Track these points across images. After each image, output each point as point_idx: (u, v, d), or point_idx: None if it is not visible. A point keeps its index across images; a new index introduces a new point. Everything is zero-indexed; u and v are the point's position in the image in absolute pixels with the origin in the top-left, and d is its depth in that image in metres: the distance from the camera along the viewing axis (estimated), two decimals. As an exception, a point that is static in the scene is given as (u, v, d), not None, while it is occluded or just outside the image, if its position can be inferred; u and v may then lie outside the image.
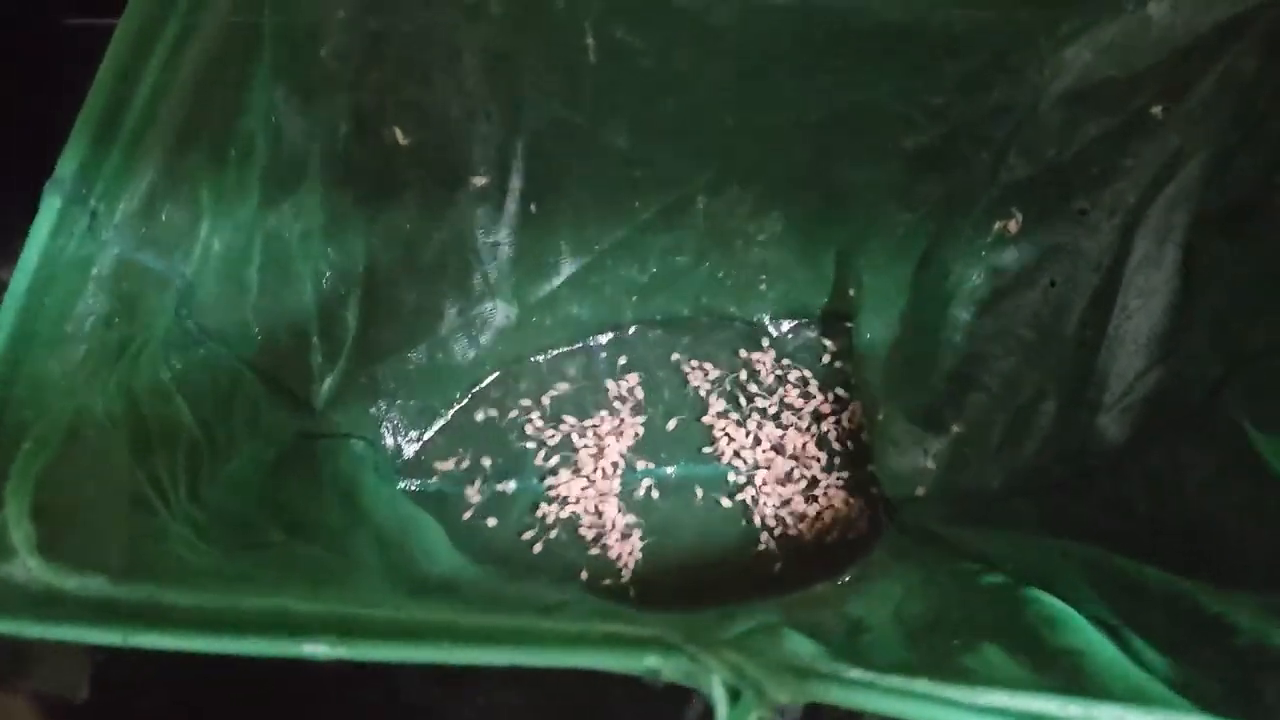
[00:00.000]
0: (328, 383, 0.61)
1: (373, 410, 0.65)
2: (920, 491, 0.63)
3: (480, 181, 0.62)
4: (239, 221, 0.52)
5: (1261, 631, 0.41)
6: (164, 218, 0.46)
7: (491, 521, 0.64)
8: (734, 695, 0.30)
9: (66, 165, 0.42)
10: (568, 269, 0.68)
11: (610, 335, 0.71)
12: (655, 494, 0.65)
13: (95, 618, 0.33)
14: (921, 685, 0.30)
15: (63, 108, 0.44)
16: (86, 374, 0.41)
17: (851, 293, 0.68)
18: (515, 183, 0.63)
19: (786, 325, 0.72)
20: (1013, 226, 0.61)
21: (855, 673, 0.30)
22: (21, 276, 0.40)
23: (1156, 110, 0.54)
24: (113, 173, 0.43)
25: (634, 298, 0.70)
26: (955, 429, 0.63)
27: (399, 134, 0.59)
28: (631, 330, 0.72)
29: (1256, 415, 0.48)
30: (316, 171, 0.56)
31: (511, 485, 0.65)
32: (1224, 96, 0.52)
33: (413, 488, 0.65)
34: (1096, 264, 0.59)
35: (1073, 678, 0.39)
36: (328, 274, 0.60)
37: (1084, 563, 0.50)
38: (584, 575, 0.62)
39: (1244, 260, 0.52)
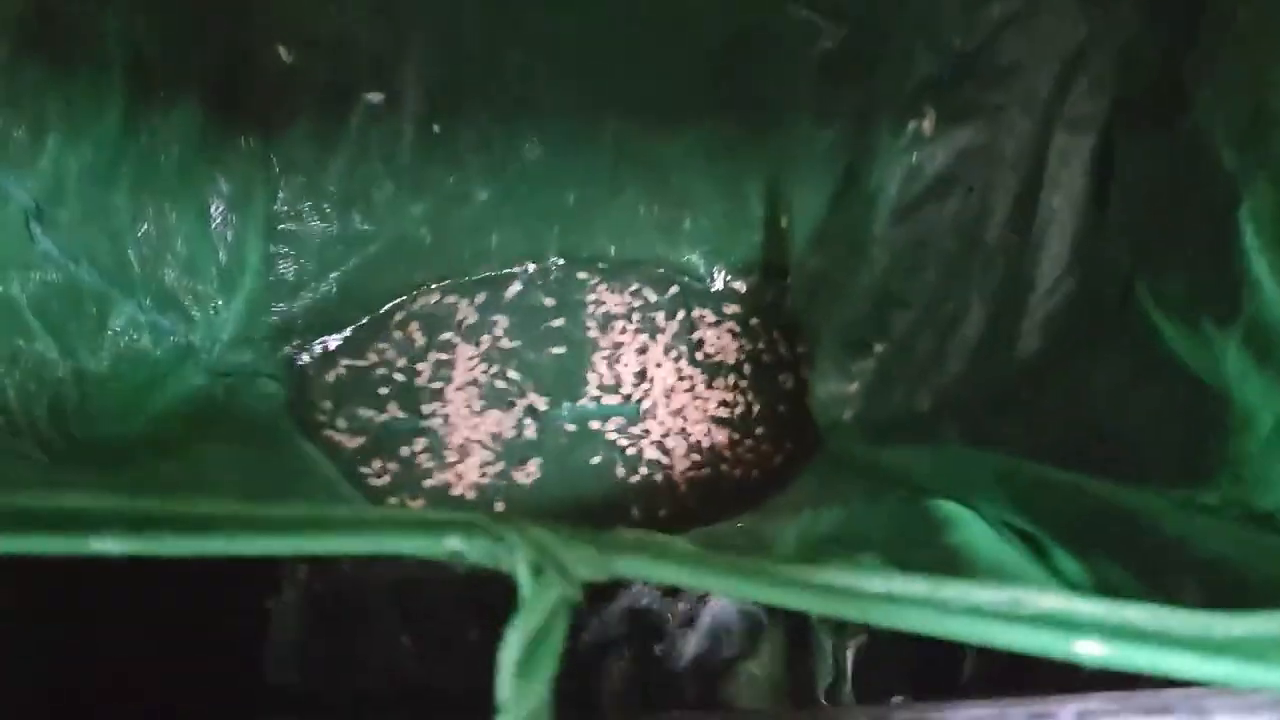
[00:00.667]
0: (228, 319, 0.60)
1: (286, 349, 0.63)
2: (847, 416, 0.61)
3: (375, 99, 0.60)
4: (99, 139, 0.49)
5: (1162, 517, 0.39)
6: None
7: (381, 457, 0.61)
8: (537, 573, 0.28)
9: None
10: (480, 194, 0.65)
11: (532, 267, 0.69)
12: (562, 431, 0.63)
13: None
14: (744, 563, 0.28)
15: None
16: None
17: (784, 223, 0.66)
18: (412, 103, 0.61)
19: (716, 263, 0.69)
20: (927, 126, 0.58)
21: (663, 542, 0.28)
22: None
23: (1055, -10, 0.52)
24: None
25: (555, 229, 0.68)
26: (879, 348, 0.61)
27: (283, 52, 0.57)
28: (552, 266, 0.69)
29: (1164, 306, 0.46)
30: (194, 92, 0.55)
31: (409, 418, 0.63)
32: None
33: (317, 427, 0.62)
34: (1014, 163, 0.57)
35: (946, 571, 0.37)
36: (218, 204, 0.58)
37: (998, 473, 0.48)
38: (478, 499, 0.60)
39: (1157, 151, 0.50)
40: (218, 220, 0.58)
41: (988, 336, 0.58)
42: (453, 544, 0.29)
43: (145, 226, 0.54)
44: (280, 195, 0.61)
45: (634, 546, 0.28)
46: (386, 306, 0.66)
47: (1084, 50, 0.53)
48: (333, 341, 0.65)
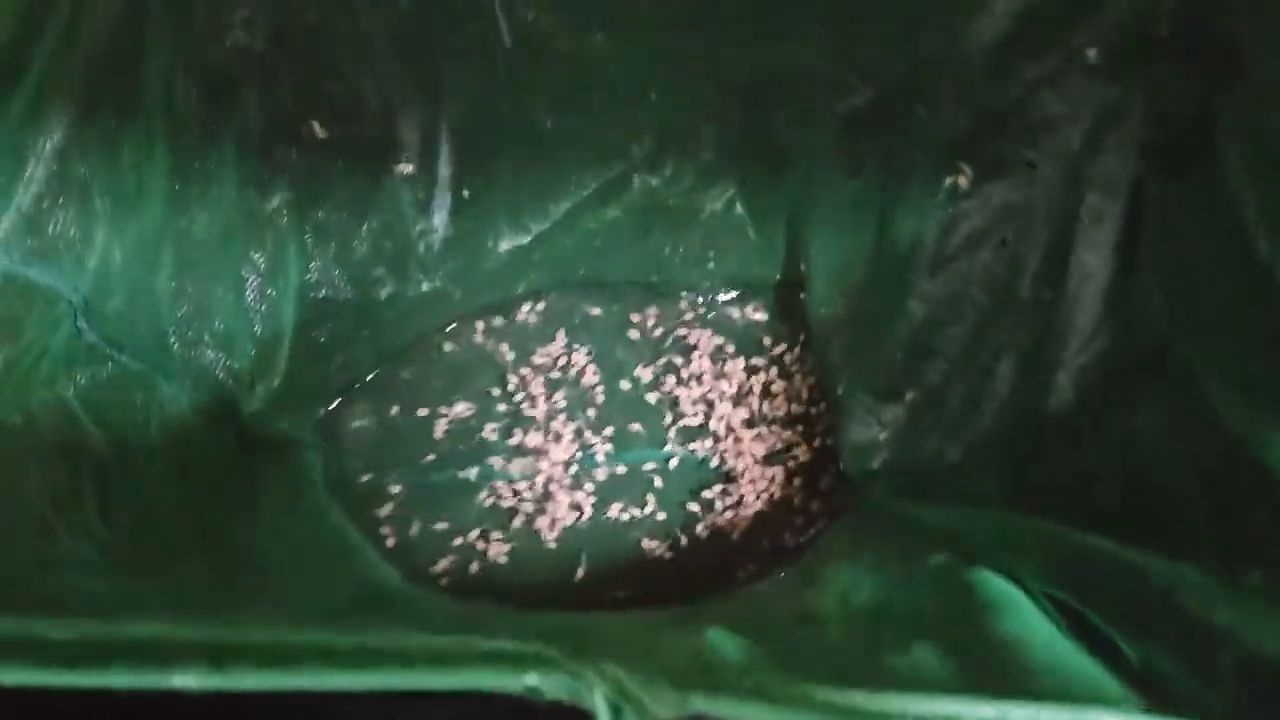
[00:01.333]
0: (262, 389, 0.60)
1: (321, 412, 0.64)
2: (877, 464, 0.61)
3: (407, 169, 0.60)
4: (144, 227, 0.50)
5: (1211, 602, 0.40)
6: (53, 229, 0.44)
7: (424, 513, 0.61)
8: (616, 711, 0.28)
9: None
10: (510, 249, 0.66)
11: (559, 313, 0.69)
12: (598, 479, 0.63)
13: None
14: (820, 695, 0.28)
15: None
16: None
17: (803, 266, 0.66)
18: (443, 169, 0.61)
19: (739, 300, 0.69)
20: (963, 181, 0.58)
21: (744, 681, 0.28)
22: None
23: (1091, 53, 0.52)
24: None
25: (580, 271, 0.69)
26: (909, 396, 0.61)
27: (317, 128, 0.57)
28: (580, 309, 0.69)
29: (1209, 368, 0.46)
30: (231, 170, 0.55)
31: (453, 473, 0.63)
32: (1154, 34, 0.50)
33: (352, 486, 0.62)
34: (1048, 218, 0.57)
35: (1004, 671, 0.37)
36: (254, 277, 0.58)
37: (1037, 536, 0.48)
38: (507, 556, 0.60)
39: (1190, 207, 0.50)
40: (253, 294, 0.58)
41: (1020, 389, 0.58)
42: (531, 680, 0.29)
43: (185, 308, 0.54)
44: (313, 265, 0.61)
45: (711, 682, 0.28)
46: (417, 358, 0.67)
47: (1116, 109, 0.53)
48: (364, 400, 0.65)
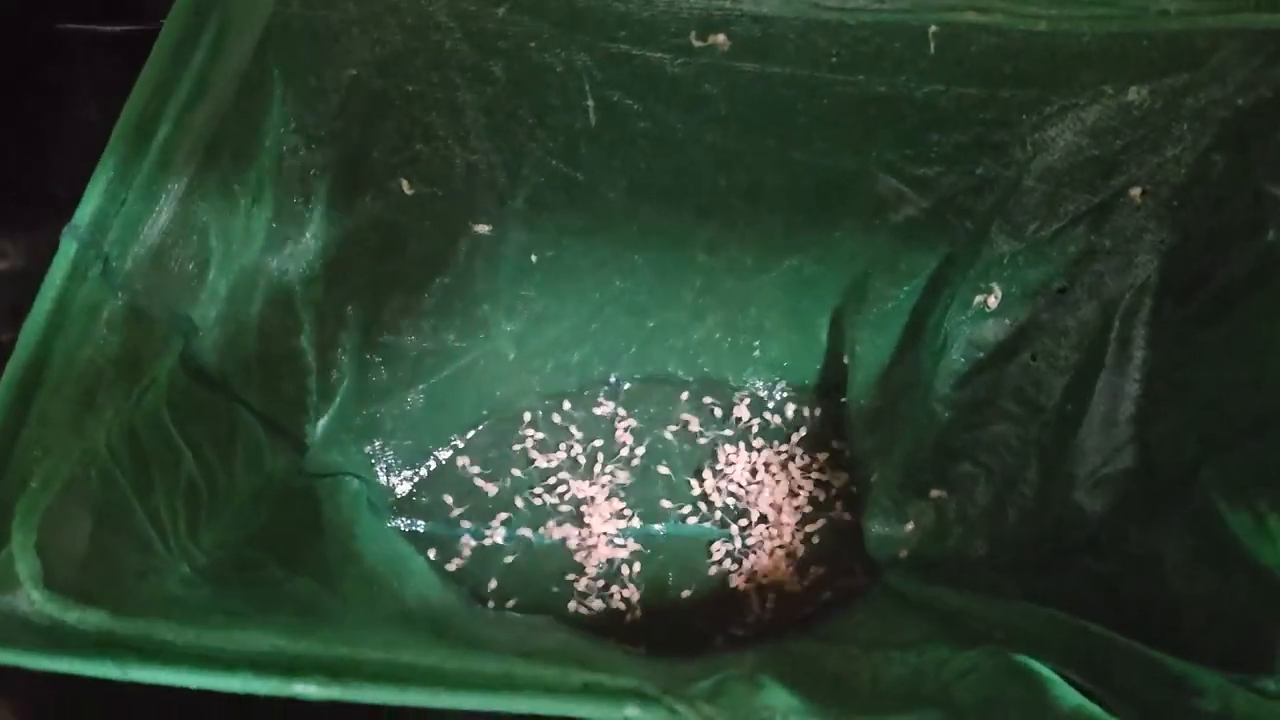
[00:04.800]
0: (321, 423, 0.63)
1: (367, 449, 0.67)
2: (903, 554, 0.64)
3: (482, 230, 0.64)
4: (244, 265, 0.53)
5: (1228, 696, 0.42)
6: (173, 266, 0.47)
7: (480, 565, 0.65)
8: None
9: (83, 211, 0.44)
10: (568, 317, 0.70)
11: (607, 386, 0.73)
12: (645, 545, 0.66)
13: (94, 651, 0.34)
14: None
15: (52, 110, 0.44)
16: (93, 416, 0.43)
17: (846, 360, 0.69)
18: (516, 233, 0.65)
19: (780, 390, 0.73)
20: (991, 301, 0.62)
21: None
22: (36, 318, 0.42)
23: (1135, 193, 0.56)
24: (126, 221, 0.45)
25: (633, 349, 0.72)
26: (935, 494, 0.64)
27: (405, 185, 0.61)
28: (628, 385, 0.73)
29: (1232, 496, 0.49)
30: (322, 218, 0.58)
31: (501, 531, 0.66)
32: (1194, 185, 0.54)
33: (404, 527, 0.66)
34: (1077, 342, 0.61)
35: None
36: (326, 318, 0.62)
37: (1057, 627, 0.51)
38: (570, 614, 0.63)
39: (1222, 343, 0.54)
40: (330, 338, 0.61)
41: (1045, 497, 0.62)
42: (631, 712, 0.32)
43: (268, 345, 0.57)
44: (383, 311, 0.65)
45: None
46: (470, 415, 0.70)
47: (1151, 246, 0.57)
48: (416, 446, 0.68)
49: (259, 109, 0.53)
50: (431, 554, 0.64)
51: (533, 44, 0.55)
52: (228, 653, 0.34)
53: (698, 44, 0.54)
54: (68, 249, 0.43)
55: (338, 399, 0.64)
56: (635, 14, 0.54)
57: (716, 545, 0.66)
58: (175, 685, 0.34)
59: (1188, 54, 0.51)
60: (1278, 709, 0.41)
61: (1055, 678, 0.45)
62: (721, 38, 0.54)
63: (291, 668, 0.34)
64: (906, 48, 0.53)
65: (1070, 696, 0.42)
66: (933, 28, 0.52)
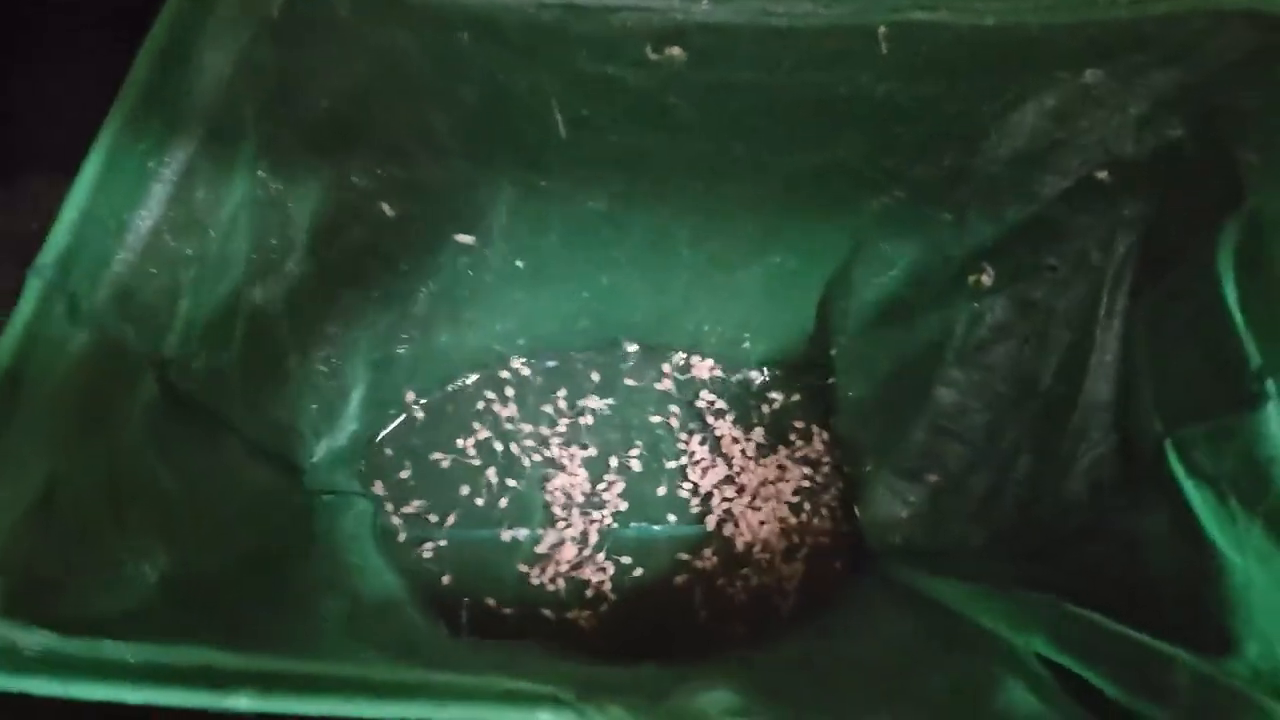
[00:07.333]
0: (323, 443, 0.64)
1: (369, 463, 0.69)
2: (898, 540, 0.64)
3: (466, 240, 0.65)
4: (221, 297, 0.55)
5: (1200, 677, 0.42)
6: (142, 299, 0.49)
7: (457, 564, 0.66)
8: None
9: (48, 253, 0.45)
10: (557, 314, 0.72)
11: (596, 381, 0.74)
12: (627, 538, 0.67)
13: (40, 670, 0.35)
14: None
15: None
16: (65, 444, 0.44)
17: (833, 351, 0.70)
18: (500, 243, 0.66)
19: (771, 378, 0.74)
20: (985, 280, 0.62)
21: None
22: (3, 354, 0.43)
23: (1103, 175, 0.55)
24: (92, 260, 0.46)
25: (621, 344, 0.75)
26: (932, 479, 0.64)
27: (386, 208, 0.62)
28: (616, 379, 0.74)
29: (1193, 473, 0.48)
30: (304, 247, 0.60)
31: (486, 529, 0.68)
32: (1164, 160, 0.53)
33: (392, 523, 0.68)
34: (1067, 320, 0.60)
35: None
36: (324, 349, 0.63)
37: (1048, 612, 0.50)
38: (549, 616, 0.64)
39: (1179, 320, 0.53)
40: (321, 360, 0.63)
41: (1038, 480, 0.61)
42: (544, 717, 0.33)
43: (253, 370, 0.59)
44: (376, 326, 0.66)
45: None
46: (463, 414, 0.72)
47: (1125, 223, 0.56)
48: (413, 453, 0.71)
49: (230, 147, 0.54)
50: (414, 552, 0.66)
51: (498, 69, 0.56)
52: (165, 669, 0.35)
53: (654, 57, 0.55)
54: (33, 288, 0.44)
55: (339, 421, 0.65)
56: (593, 34, 0.54)
57: (699, 539, 0.67)
58: (115, 700, 0.35)
59: (1136, 36, 0.50)
60: (1241, 689, 0.40)
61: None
62: (677, 50, 0.54)
63: (223, 681, 0.35)
64: (859, 48, 0.53)
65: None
66: (881, 28, 0.52)
